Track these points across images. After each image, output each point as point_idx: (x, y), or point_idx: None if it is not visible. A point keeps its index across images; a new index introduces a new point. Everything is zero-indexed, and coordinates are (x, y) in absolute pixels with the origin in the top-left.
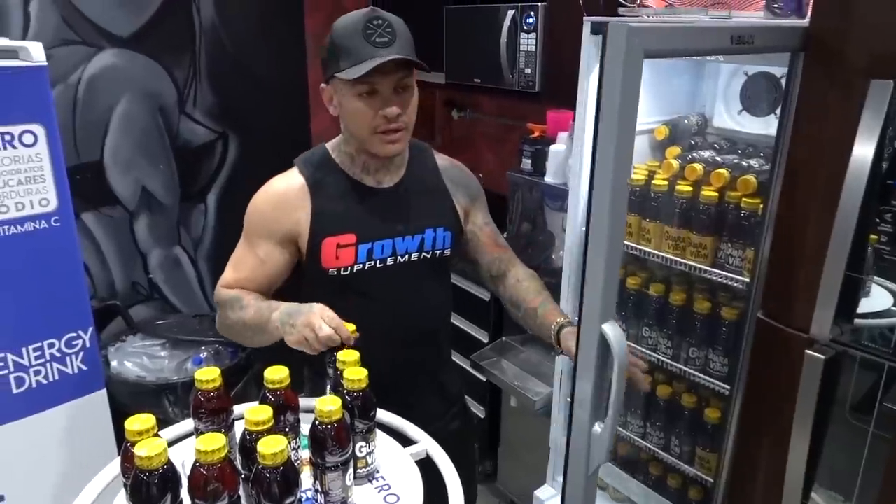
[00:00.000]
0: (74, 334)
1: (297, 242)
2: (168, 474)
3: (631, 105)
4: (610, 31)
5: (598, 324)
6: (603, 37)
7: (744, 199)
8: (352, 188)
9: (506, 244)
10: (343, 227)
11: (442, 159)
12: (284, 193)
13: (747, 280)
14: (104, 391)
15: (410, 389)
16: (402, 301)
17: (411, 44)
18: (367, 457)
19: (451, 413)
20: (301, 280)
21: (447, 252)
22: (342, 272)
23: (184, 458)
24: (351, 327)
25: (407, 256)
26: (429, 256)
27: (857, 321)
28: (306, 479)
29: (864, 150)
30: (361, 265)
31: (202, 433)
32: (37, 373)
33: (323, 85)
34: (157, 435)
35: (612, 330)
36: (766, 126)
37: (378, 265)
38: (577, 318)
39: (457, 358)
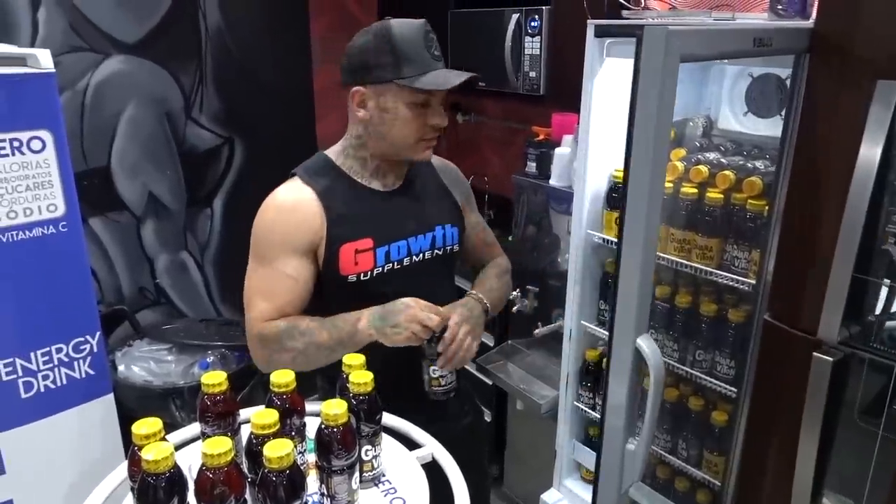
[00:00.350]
0: (82, 339)
1: (315, 252)
2: (175, 478)
3: (667, 113)
4: (646, 35)
5: (632, 337)
6: (637, 41)
7: (749, 200)
8: (361, 193)
9: (494, 241)
10: (359, 233)
11: (436, 159)
12: (296, 205)
13: (753, 282)
14: (111, 396)
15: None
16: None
17: None
18: (373, 460)
19: (464, 409)
20: (316, 292)
21: (456, 248)
22: (361, 277)
23: (190, 462)
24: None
25: (421, 255)
26: (440, 253)
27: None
28: (312, 482)
29: (870, 151)
30: (380, 268)
31: (209, 437)
32: (45, 377)
33: (358, 88)
34: (164, 439)
35: (647, 343)
36: (771, 128)
37: (395, 267)
38: (590, 325)
39: None
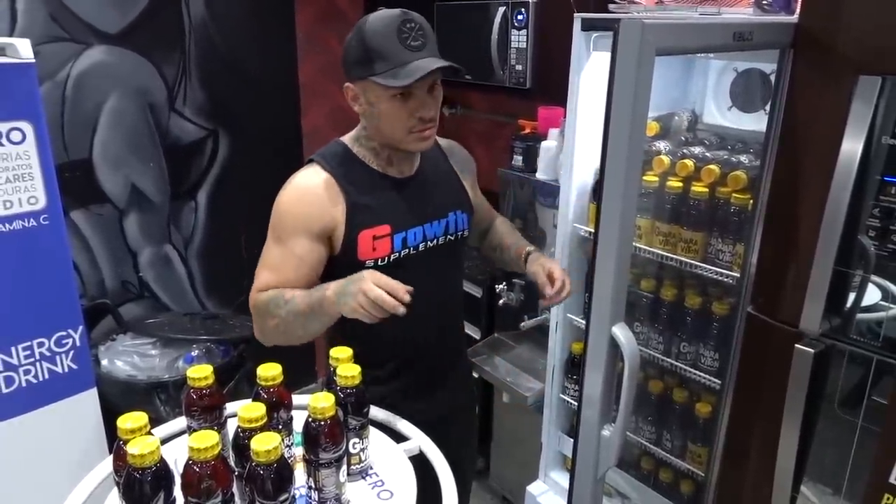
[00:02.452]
0: (64, 333)
1: (331, 237)
2: (161, 472)
3: (643, 104)
4: (622, 29)
5: (607, 326)
6: (614, 34)
7: (734, 194)
8: (378, 180)
9: (488, 205)
10: (378, 219)
11: (443, 141)
12: (315, 189)
13: (737, 275)
14: (94, 390)
15: (440, 368)
16: (431, 285)
17: (436, 42)
18: (361, 453)
19: (469, 386)
20: (332, 274)
21: (466, 233)
22: (379, 262)
23: (176, 457)
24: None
25: (435, 241)
26: (452, 239)
27: (859, 315)
28: (300, 475)
29: (852, 146)
30: (397, 254)
31: (195, 431)
32: (26, 372)
33: (348, 84)
34: (149, 433)
35: (622, 332)
36: (755, 122)
37: (411, 252)
38: (575, 318)
39: None
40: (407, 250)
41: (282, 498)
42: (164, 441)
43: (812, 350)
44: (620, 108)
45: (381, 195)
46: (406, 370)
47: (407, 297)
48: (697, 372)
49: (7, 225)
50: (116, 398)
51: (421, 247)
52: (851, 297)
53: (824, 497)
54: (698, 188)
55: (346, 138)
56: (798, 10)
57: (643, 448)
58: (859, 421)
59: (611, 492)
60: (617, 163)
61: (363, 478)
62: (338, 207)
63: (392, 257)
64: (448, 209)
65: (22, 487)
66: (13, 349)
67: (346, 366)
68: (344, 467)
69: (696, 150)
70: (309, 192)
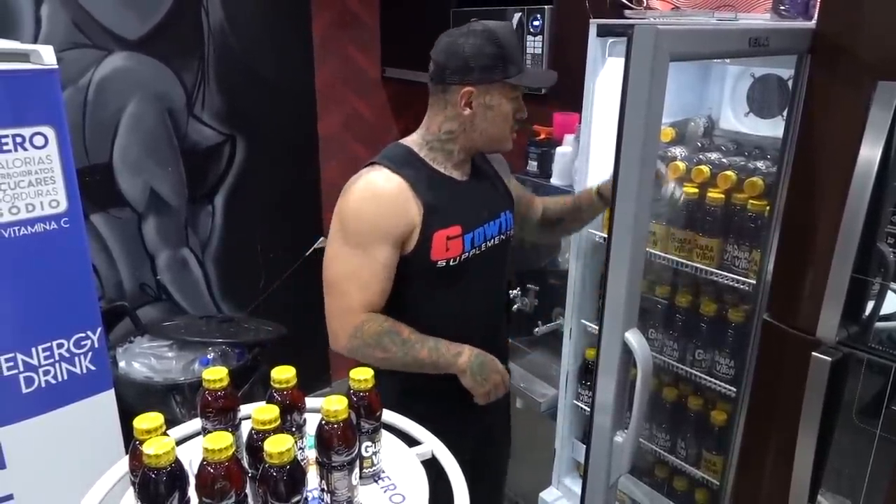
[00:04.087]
0: (83, 335)
1: (406, 240)
2: (176, 472)
3: (657, 110)
4: (636, 35)
5: (620, 332)
6: (628, 40)
7: (750, 201)
8: (444, 182)
9: (524, 188)
10: (450, 220)
11: None
12: (391, 193)
13: (753, 282)
14: (112, 391)
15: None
16: (489, 283)
17: None
18: (373, 457)
19: (505, 403)
20: (399, 274)
21: (513, 232)
22: (450, 263)
23: (191, 458)
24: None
25: (493, 240)
26: (504, 238)
27: (878, 324)
28: (312, 478)
29: (870, 152)
30: (467, 254)
31: (209, 432)
32: (46, 372)
33: (469, 87)
34: (165, 434)
35: (635, 338)
36: (772, 128)
37: (476, 253)
38: (590, 324)
39: None
40: (475, 250)
41: (294, 499)
42: (179, 442)
43: (829, 358)
44: (634, 114)
45: (449, 196)
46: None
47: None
48: (712, 379)
49: (29, 228)
50: (133, 399)
51: (482, 247)
52: (870, 304)
53: None
54: (714, 194)
55: (410, 142)
56: (816, 16)
57: (657, 456)
58: (878, 431)
59: (625, 500)
60: (630, 169)
61: (375, 481)
62: (414, 210)
63: (462, 257)
64: (500, 209)
65: (40, 487)
66: (33, 350)
67: (358, 370)
68: (356, 470)
69: (713, 155)
70: (386, 196)
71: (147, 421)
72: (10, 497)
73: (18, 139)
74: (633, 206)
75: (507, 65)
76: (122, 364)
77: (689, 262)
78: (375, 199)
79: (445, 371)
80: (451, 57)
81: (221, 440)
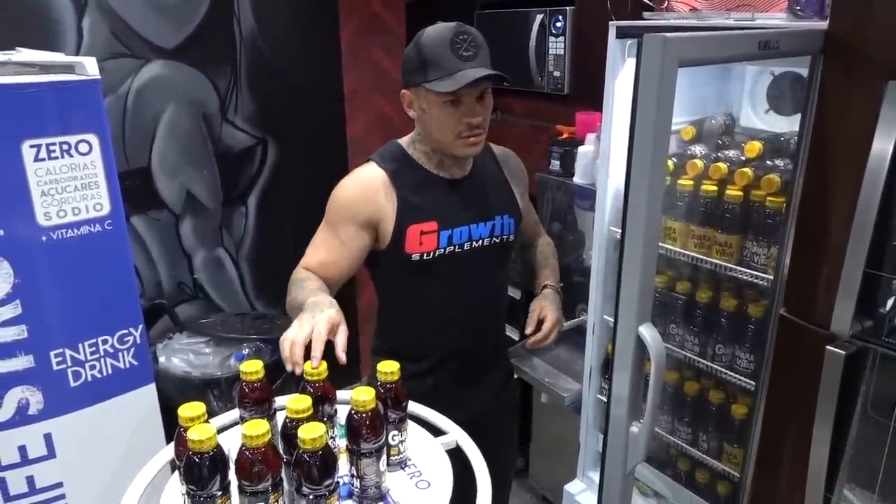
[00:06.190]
0: (126, 331)
1: (377, 228)
2: (217, 457)
3: (666, 114)
4: (646, 43)
5: (634, 326)
6: (638, 47)
7: (768, 198)
8: (430, 180)
9: (538, 221)
10: (426, 216)
11: (497, 149)
12: (368, 182)
13: (772, 277)
14: (153, 385)
15: (476, 368)
16: (474, 283)
17: (489, 54)
18: (400, 445)
19: (510, 385)
20: (381, 266)
21: (512, 238)
22: (424, 257)
23: (230, 446)
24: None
25: (480, 242)
26: (497, 242)
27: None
28: (343, 465)
29: (881, 150)
30: (442, 250)
31: (247, 421)
32: (92, 367)
33: (404, 91)
34: (206, 421)
35: (648, 332)
36: (792, 126)
37: (456, 250)
38: (612, 319)
39: None
40: (452, 247)
41: (326, 483)
42: (218, 431)
43: (843, 352)
44: (644, 118)
45: (431, 194)
46: (441, 368)
47: (301, 367)
48: (732, 373)
49: (75, 230)
50: (172, 393)
51: (466, 246)
52: (884, 299)
53: (870, 503)
54: (732, 191)
55: (403, 140)
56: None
57: (680, 449)
58: (892, 423)
59: (647, 491)
60: (641, 169)
61: (402, 468)
62: (388, 201)
63: (437, 253)
64: (495, 212)
65: (87, 475)
66: (80, 345)
67: (385, 363)
68: (384, 458)
69: (731, 153)
70: (362, 184)
71: (191, 409)
72: (59, 485)
73: (65, 146)
74: (645, 206)
75: (426, 69)
76: (161, 359)
77: (709, 259)
78: (352, 186)
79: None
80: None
81: (259, 427)
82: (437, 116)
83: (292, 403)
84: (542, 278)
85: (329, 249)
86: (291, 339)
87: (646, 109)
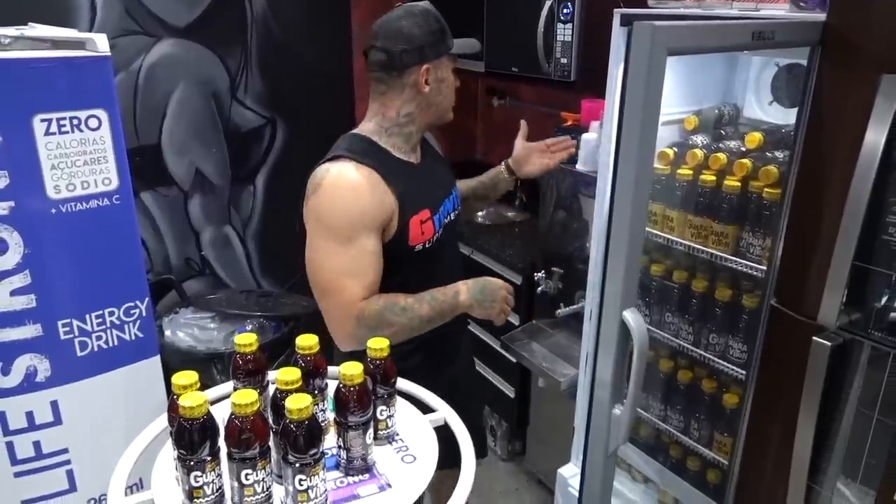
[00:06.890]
0: (132, 304)
1: (385, 228)
2: (208, 424)
3: (654, 102)
4: (635, 31)
5: (619, 310)
6: (628, 35)
7: (766, 189)
8: (405, 168)
9: None
10: (420, 204)
11: None
12: (363, 184)
13: (765, 268)
14: (158, 357)
15: (461, 337)
16: (455, 257)
17: None
18: (388, 420)
19: (469, 346)
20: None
21: (460, 203)
22: (426, 245)
23: (224, 415)
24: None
25: (450, 217)
26: (458, 212)
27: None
28: (332, 438)
29: (873, 143)
30: (437, 234)
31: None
32: (98, 338)
33: (427, 65)
34: (199, 390)
35: (632, 316)
36: (794, 117)
37: (442, 231)
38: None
39: (487, 339)
40: (441, 230)
41: (311, 452)
42: (214, 402)
43: (829, 343)
44: (633, 103)
45: (413, 182)
46: (433, 341)
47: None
48: (725, 363)
49: (84, 204)
50: (177, 366)
51: (446, 224)
52: (872, 292)
53: (866, 497)
54: (731, 182)
55: (367, 131)
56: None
57: (672, 436)
58: (875, 415)
59: (639, 477)
60: (628, 155)
61: (389, 443)
62: (390, 198)
63: (434, 238)
64: (451, 186)
65: (92, 441)
66: (87, 316)
67: (375, 340)
68: (371, 431)
69: (733, 143)
70: (359, 187)
71: (184, 377)
72: (65, 450)
73: (75, 121)
74: (632, 193)
75: (446, 39)
76: (167, 333)
77: (705, 248)
78: (353, 190)
79: (453, 315)
80: (404, 41)
81: (248, 396)
82: (450, 81)
83: (282, 375)
84: (486, 173)
85: (371, 269)
86: (506, 290)
87: (634, 95)
